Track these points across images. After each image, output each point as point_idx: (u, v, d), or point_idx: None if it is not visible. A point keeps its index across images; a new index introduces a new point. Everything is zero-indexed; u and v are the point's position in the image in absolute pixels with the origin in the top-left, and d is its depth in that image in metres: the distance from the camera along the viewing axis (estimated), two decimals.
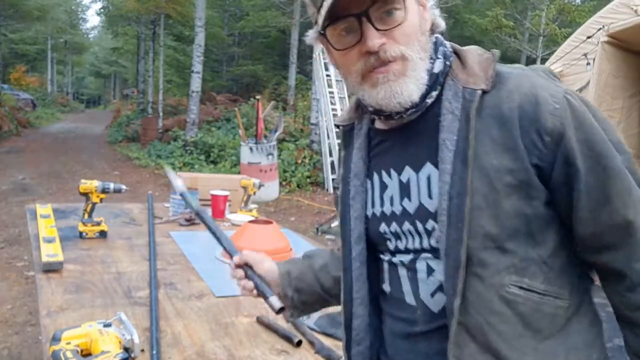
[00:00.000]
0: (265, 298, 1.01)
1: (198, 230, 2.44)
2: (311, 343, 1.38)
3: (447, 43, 0.90)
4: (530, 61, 14.20)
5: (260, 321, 1.46)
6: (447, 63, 0.86)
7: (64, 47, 33.72)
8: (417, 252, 0.87)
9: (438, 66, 0.85)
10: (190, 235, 2.33)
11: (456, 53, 0.88)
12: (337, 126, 1.04)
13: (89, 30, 47.05)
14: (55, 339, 1.16)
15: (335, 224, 6.33)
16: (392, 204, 0.89)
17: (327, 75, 9.26)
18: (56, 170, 9.37)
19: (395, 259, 0.90)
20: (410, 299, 0.88)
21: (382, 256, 0.94)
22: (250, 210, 2.76)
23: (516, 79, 0.81)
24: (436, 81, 0.85)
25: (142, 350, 1.24)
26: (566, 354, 0.81)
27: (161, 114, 13.58)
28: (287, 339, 1.38)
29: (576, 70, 5.21)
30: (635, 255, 0.79)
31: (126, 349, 1.18)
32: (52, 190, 7.59)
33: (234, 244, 1.10)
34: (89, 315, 1.41)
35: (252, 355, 1.29)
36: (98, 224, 2.18)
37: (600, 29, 4.94)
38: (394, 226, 0.89)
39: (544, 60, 10.29)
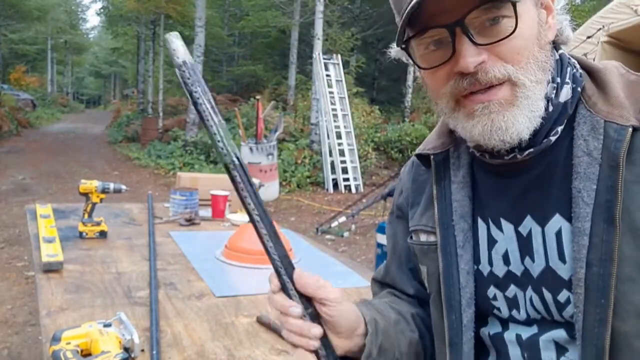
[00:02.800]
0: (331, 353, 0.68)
1: (198, 230, 2.44)
2: None
3: (575, 60, 0.71)
4: None
5: (260, 321, 1.46)
6: (578, 89, 0.68)
7: (64, 47, 33.74)
8: (544, 324, 0.69)
9: (565, 94, 0.67)
10: (190, 235, 2.33)
11: (589, 72, 0.70)
12: (421, 157, 0.79)
13: (89, 30, 47.10)
14: (55, 339, 1.16)
15: (335, 224, 6.34)
16: (506, 262, 0.71)
17: (327, 75, 9.26)
18: (56, 170, 9.38)
19: (509, 333, 0.72)
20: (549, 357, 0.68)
21: (482, 328, 0.75)
22: None
23: None
24: (563, 113, 0.66)
25: (142, 350, 1.24)
26: None
27: (161, 114, 13.58)
28: None
29: None
30: None
31: (126, 349, 1.18)
32: (52, 190, 7.59)
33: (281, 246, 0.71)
34: (89, 315, 1.41)
35: (252, 355, 1.29)
36: (98, 224, 2.17)
37: (600, 29, 4.94)
38: (513, 290, 0.70)
39: None
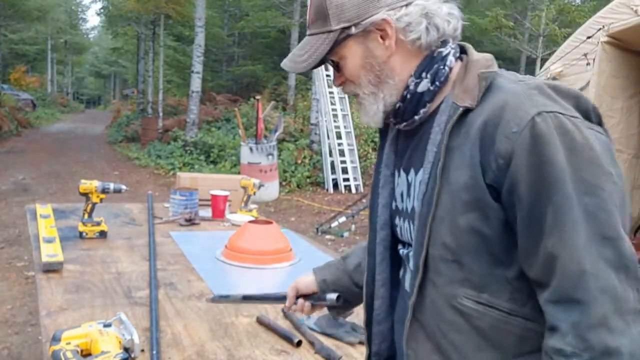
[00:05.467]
0: (323, 300, 1.13)
1: (198, 230, 2.44)
2: (311, 343, 1.38)
3: (461, 53, 0.92)
4: (530, 61, 14.21)
5: (260, 321, 1.46)
6: (437, 83, 0.88)
7: (64, 47, 33.72)
8: (410, 248, 0.94)
9: (423, 86, 0.89)
10: (190, 235, 2.33)
11: (467, 62, 0.89)
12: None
13: (89, 30, 47.13)
14: (55, 339, 1.16)
15: (335, 224, 6.35)
16: (401, 200, 0.96)
17: (327, 75, 9.25)
18: (56, 170, 9.38)
19: (403, 250, 0.98)
20: (407, 285, 0.96)
21: (402, 248, 0.99)
22: (250, 211, 2.76)
23: (495, 95, 0.80)
24: (420, 99, 0.89)
25: (142, 350, 1.24)
26: None
27: (161, 114, 13.57)
28: (287, 339, 1.38)
29: (576, 70, 5.21)
30: (552, 296, 0.74)
31: (126, 349, 1.18)
32: (52, 190, 7.59)
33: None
34: (89, 315, 1.41)
35: (252, 355, 1.29)
36: (98, 224, 2.18)
37: (600, 29, 4.94)
38: (399, 221, 0.97)
39: (543, 61, 10.29)
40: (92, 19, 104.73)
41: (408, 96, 0.90)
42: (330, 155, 9.07)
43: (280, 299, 1.18)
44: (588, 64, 5.07)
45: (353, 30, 0.88)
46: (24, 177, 8.49)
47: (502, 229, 0.78)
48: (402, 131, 0.97)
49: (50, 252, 1.80)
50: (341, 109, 9.39)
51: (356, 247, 1.23)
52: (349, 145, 9.23)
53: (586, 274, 0.71)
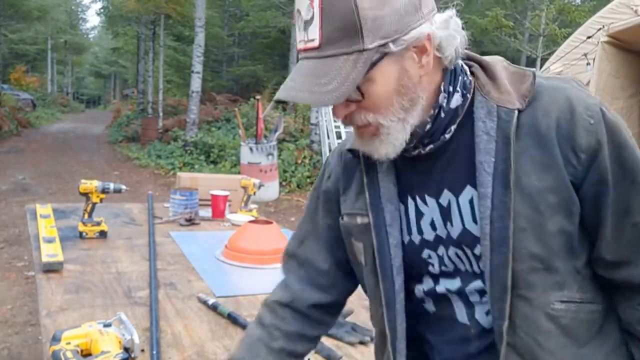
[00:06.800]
0: None
1: (198, 230, 2.44)
2: None
3: (471, 61, 0.86)
4: (530, 61, 14.20)
5: None
6: (468, 95, 0.82)
7: (64, 47, 33.74)
8: (468, 276, 0.85)
9: (456, 100, 0.81)
10: (190, 235, 2.33)
11: (481, 66, 0.84)
12: (352, 151, 0.91)
13: (89, 30, 47.18)
14: (55, 339, 1.16)
15: None
16: (434, 229, 0.86)
17: None
18: (56, 170, 9.38)
19: (439, 287, 0.88)
20: (463, 317, 0.87)
21: (418, 285, 0.91)
22: (250, 210, 2.76)
23: (551, 93, 0.78)
24: (454, 116, 0.81)
25: (142, 350, 1.24)
26: (605, 357, 0.82)
27: (161, 114, 13.58)
28: None
29: (576, 70, 5.21)
30: None
31: (126, 349, 1.18)
32: (52, 190, 7.59)
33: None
34: (89, 315, 1.41)
35: None
36: (98, 224, 2.17)
37: (600, 29, 4.95)
38: (442, 249, 0.86)
39: (543, 60, 10.29)
40: (92, 19, 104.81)
41: (442, 114, 0.80)
42: None
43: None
44: (588, 64, 5.08)
45: (392, 47, 0.74)
46: (24, 177, 8.49)
47: (578, 223, 0.78)
48: (407, 156, 0.85)
49: (50, 252, 1.80)
50: None
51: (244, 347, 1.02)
52: None
53: None
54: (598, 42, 4.94)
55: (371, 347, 1.37)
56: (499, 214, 0.76)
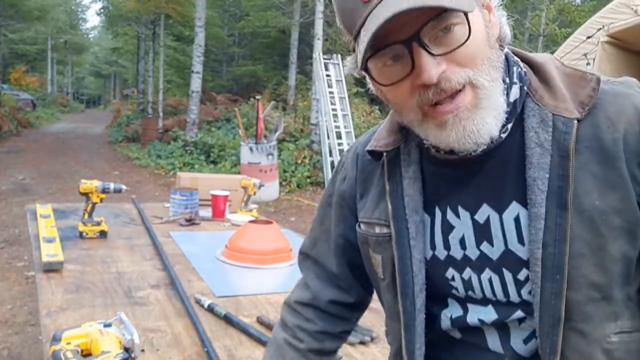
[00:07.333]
0: None
1: (198, 230, 2.44)
2: None
3: (517, 57, 0.76)
4: None
5: (260, 321, 1.46)
6: (525, 88, 0.72)
7: (64, 47, 33.72)
8: (503, 305, 0.75)
9: (515, 93, 0.71)
10: (190, 235, 2.33)
11: (532, 66, 0.74)
12: (373, 153, 0.82)
13: (89, 30, 47.19)
14: (56, 339, 1.16)
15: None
16: (463, 247, 0.76)
17: (327, 75, 9.25)
18: (56, 170, 9.37)
19: (472, 317, 0.78)
20: (495, 346, 0.76)
21: (444, 310, 0.81)
22: (250, 210, 2.76)
23: (614, 101, 0.69)
24: (513, 111, 0.71)
25: (142, 350, 1.24)
26: None
27: (161, 114, 13.58)
28: None
29: None
30: None
31: (126, 349, 1.18)
32: (52, 190, 7.59)
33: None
34: (89, 315, 1.41)
35: (252, 356, 1.29)
36: (98, 224, 2.17)
37: (600, 29, 4.95)
38: (468, 272, 0.76)
39: None
40: (92, 19, 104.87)
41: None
42: (330, 155, 9.07)
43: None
44: (588, 63, 5.08)
45: None
46: (24, 177, 8.49)
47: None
48: (438, 159, 0.76)
49: (51, 251, 1.80)
50: (341, 109, 9.38)
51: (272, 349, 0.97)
52: (349, 145, 9.22)
53: None
54: (598, 42, 4.94)
55: (371, 347, 1.37)
56: (553, 238, 0.67)
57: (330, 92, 9.33)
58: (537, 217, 0.68)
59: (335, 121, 9.23)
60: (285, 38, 15.65)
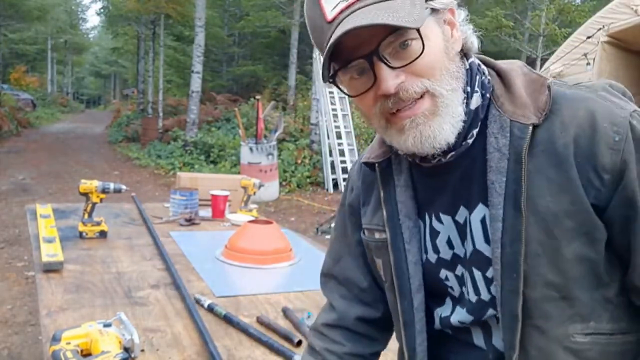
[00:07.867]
0: None
1: (198, 230, 2.44)
2: None
3: (484, 65, 0.79)
4: (530, 61, 14.21)
5: (260, 321, 1.46)
6: (487, 95, 0.76)
7: (64, 47, 33.71)
8: (476, 304, 0.80)
9: (476, 101, 0.75)
10: (190, 235, 2.33)
11: (498, 74, 0.78)
12: (368, 164, 0.87)
13: (89, 30, 47.14)
14: (55, 339, 1.16)
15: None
16: (451, 247, 0.81)
17: None
18: (56, 170, 9.37)
19: (454, 318, 0.83)
20: (480, 342, 0.82)
21: (438, 308, 0.87)
22: (250, 210, 2.76)
23: (570, 105, 0.71)
24: (475, 118, 0.75)
25: (142, 350, 1.24)
26: None
27: (161, 114, 13.58)
28: (287, 339, 1.38)
29: (576, 70, 5.22)
30: None
31: (126, 349, 1.18)
32: (52, 190, 7.59)
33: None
34: (89, 315, 1.41)
35: (252, 356, 1.29)
36: (98, 224, 2.17)
37: (600, 29, 4.95)
38: (460, 269, 0.81)
39: (543, 61, 10.29)
40: (92, 19, 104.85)
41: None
42: (330, 155, 9.07)
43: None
44: (588, 63, 5.08)
45: (437, 3, 0.71)
46: (23, 177, 8.49)
47: (605, 249, 0.71)
48: (424, 168, 0.80)
49: (51, 251, 1.80)
50: (341, 109, 9.39)
51: None
52: (349, 145, 9.23)
53: None
54: (598, 42, 4.94)
55: None
56: (510, 238, 0.71)
57: (330, 92, 9.33)
58: (496, 219, 0.73)
59: (335, 121, 9.23)
60: (285, 38, 15.66)
